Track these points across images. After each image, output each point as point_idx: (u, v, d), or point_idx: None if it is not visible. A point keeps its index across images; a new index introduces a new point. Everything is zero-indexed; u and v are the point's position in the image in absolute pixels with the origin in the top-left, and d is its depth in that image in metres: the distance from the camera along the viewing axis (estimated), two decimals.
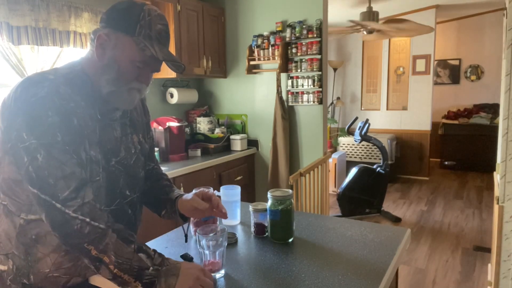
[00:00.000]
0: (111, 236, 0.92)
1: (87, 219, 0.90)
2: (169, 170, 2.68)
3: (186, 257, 1.15)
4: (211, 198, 1.22)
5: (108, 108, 1.07)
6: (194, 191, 1.39)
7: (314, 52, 3.20)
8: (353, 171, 4.19)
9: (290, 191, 1.30)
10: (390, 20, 4.17)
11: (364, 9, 4.23)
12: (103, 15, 1.04)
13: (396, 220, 4.09)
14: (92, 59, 1.05)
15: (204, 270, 1.00)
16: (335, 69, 6.26)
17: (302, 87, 3.31)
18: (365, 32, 4.38)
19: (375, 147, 5.20)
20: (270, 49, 3.34)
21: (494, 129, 5.42)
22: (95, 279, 1.11)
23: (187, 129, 3.43)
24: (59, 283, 1.05)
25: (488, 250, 3.20)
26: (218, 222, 1.43)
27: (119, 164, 1.10)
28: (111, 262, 0.90)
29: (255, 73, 3.53)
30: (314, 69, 3.23)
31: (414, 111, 5.82)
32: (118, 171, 1.10)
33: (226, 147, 3.48)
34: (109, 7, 1.04)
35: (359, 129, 4.24)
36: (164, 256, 0.97)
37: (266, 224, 1.32)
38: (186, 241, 1.28)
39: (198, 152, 3.25)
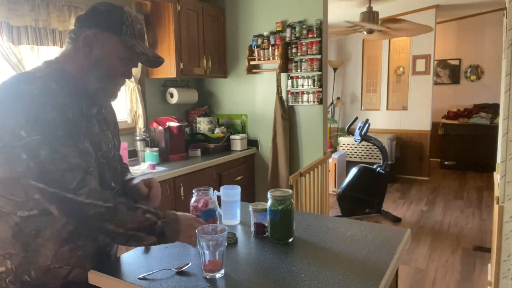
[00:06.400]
0: (121, 210, 1.01)
1: (100, 203, 0.97)
2: (169, 170, 2.68)
3: None
4: (152, 185, 1.30)
5: (87, 104, 1.11)
6: (194, 191, 1.40)
7: (314, 52, 3.20)
8: (353, 171, 4.18)
9: (290, 191, 1.30)
10: (388, 20, 4.16)
11: (364, 9, 4.23)
12: (83, 16, 1.09)
13: (396, 220, 4.09)
14: (74, 58, 1.09)
15: (199, 221, 1.16)
16: (335, 69, 6.25)
17: (302, 87, 3.31)
18: (365, 32, 4.38)
19: (375, 147, 5.20)
20: (270, 49, 3.34)
21: (494, 129, 5.41)
22: (96, 279, 1.11)
23: (187, 129, 3.43)
24: (60, 276, 1.07)
25: (488, 250, 3.20)
26: (218, 222, 1.43)
27: (103, 157, 1.14)
28: (126, 230, 1.00)
29: (255, 73, 3.53)
30: (314, 69, 3.22)
31: (414, 111, 5.81)
32: (103, 164, 1.14)
33: (226, 147, 3.48)
34: (89, 8, 1.10)
35: (359, 129, 4.24)
36: (163, 210, 1.10)
37: (266, 224, 1.32)
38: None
39: (198, 152, 3.25)
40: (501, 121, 1.98)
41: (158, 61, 1.16)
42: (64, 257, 1.06)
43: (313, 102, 3.27)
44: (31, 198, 1.00)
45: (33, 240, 1.03)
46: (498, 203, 1.85)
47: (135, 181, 1.31)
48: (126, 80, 1.20)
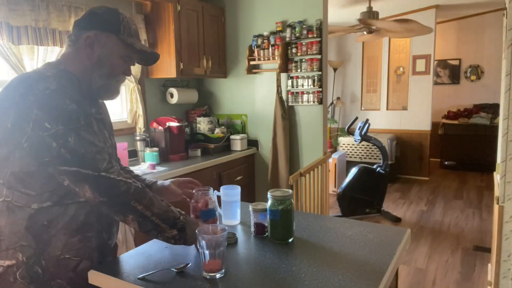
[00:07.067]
0: (150, 194, 1.09)
1: (129, 181, 1.06)
2: (169, 170, 2.68)
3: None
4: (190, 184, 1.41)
5: (88, 104, 1.15)
6: (194, 191, 1.40)
7: (314, 52, 3.20)
8: (353, 171, 4.18)
9: (290, 191, 1.30)
10: (397, 20, 4.15)
11: (364, 9, 4.23)
12: (81, 20, 1.15)
13: (396, 220, 4.09)
14: (76, 59, 1.15)
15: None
16: (335, 69, 6.25)
17: (302, 87, 3.31)
18: (365, 32, 4.38)
19: (375, 147, 5.20)
20: (270, 49, 3.34)
21: (494, 129, 5.42)
22: (96, 279, 1.11)
23: (187, 129, 3.43)
24: (69, 267, 1.10)
25: (488, 250, 3.20)
26: (218, 222, 1.43)
27: None
28: (153, 214, 1.07)
29: (255, 73, 3.53)
30: (314, 69, 3.22)
31: (414, 111, 5.81)
32: None
33: (226, 147, 3.48)
34: (86, 12, 1.17)
35: (359, 129, 4.24)
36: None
37: (266, 224, 1.32)
38: None
39: (198, 152, 3.25)
40: (501, 121, 1.98)
41: (154, 58, 1.24)
42: (74, 247, 1.10)
43: (313, 102, 3.27)
44: (47, 190, 1.05)
45: (45, 231, 1.06)
46: (498, 203, 1.85)
47: (164, 184, 1.37)
48: (126, 79, 1.26)
